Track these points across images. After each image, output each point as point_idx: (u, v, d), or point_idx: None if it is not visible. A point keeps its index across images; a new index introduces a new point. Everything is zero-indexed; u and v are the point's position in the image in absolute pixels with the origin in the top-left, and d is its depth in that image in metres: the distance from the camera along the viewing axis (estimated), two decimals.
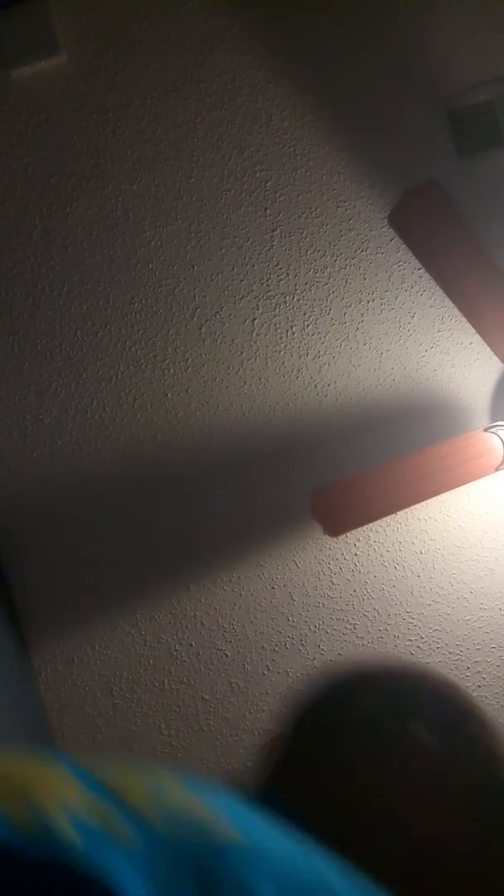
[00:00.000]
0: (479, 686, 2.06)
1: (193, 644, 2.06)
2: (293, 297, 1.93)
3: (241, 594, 2.03)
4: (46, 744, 2.09)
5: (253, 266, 1.92)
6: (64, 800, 0.45)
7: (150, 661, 2.07)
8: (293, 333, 1.94)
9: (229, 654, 2.06)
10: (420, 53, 1.83)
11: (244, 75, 1.85)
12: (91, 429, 1.98)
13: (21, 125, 1.87)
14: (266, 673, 2.06)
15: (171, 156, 1.89)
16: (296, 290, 1.93)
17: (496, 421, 1.81)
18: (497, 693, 2.06)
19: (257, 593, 2.03)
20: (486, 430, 1.75)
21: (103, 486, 2.00)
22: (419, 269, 1.88)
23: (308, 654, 2.05)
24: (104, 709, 2.09)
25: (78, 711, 2.09)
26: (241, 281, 1.93)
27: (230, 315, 1.94)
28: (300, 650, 2.05)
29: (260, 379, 1.96)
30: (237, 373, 1.96)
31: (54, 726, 2.09)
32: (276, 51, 1.85)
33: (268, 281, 1.93)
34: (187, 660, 2.06)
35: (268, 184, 1.90)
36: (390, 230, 1.72)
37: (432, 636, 2.04)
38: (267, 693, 2.07)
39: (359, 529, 1.99)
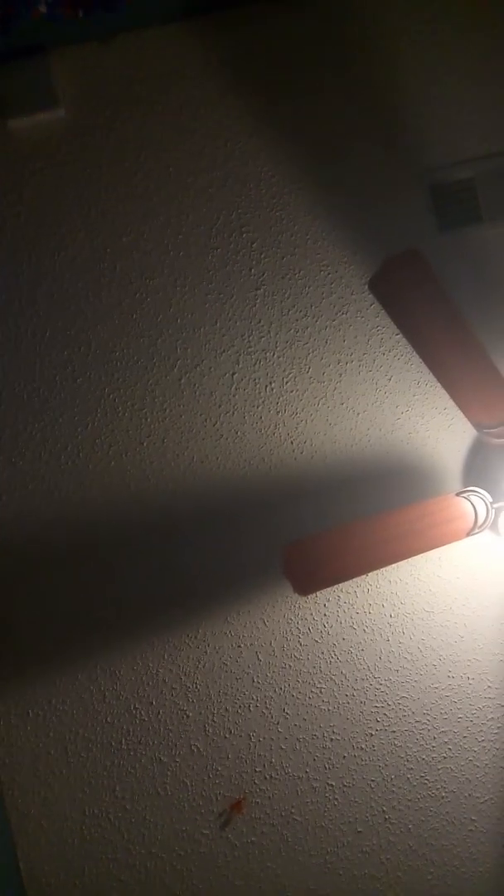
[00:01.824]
0: (445, 757, 2.02)
1: (154, 702, 2.00)
2: (273, 355, 1.96)
3: (206, 651, 1.99)
4: None
5: (235, 322, 1.96)
6: None
7: (108, 719, 2.00)
8: (272, 390, 1.97)
9: (190, 714, 2.01)
10: (407, 128, 1.92)
11: (237, 140, 1.93)
12: (64, 474, 1.97)
13: (16, 172, 1.92)
14: (228, 736, 2.01)
15: (162, 212, 1.94)
16: (276, 347, 1.96)
17: (468, 486, 1.83)
18: (463, 766, 2.02)
19: (223, 651, 1.99)
20: (458, 494, 1.76)
21: (72, 533, 1.98)
22: (397, 334, 1.93)
23: (272, 717, 2.01)
24: (57, 767, 2.01)
25: (30, 768, 2.01)
26: (223, 336, 1.96)
27: (210, 368, 1.96)
28: (264, 713, 2.01)
29: (237, 433, 1.97)
30: (214, 425, 1.97)
31: (4, 783, 2.01)
32: (269, 120, 1.93)
33: (249, 337, 1.96)
34: (146, 719, 2.01)
35: (254, 245, 1.95)
36: (370, 295, 1.76)
37: (399, 703, 2.01)
38: (227, 757, 2.01)
39: (329, 590, 1.98)
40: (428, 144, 1.92)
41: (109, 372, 1.96)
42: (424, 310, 1.58)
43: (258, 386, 1.97)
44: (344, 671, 2.00)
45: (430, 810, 2.03)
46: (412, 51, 1.93)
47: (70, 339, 1.96)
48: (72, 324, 1.95)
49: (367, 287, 1.83)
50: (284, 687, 2.00)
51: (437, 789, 2.03)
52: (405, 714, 2.01)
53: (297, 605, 1.99)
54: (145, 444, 1.97)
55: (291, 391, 1.97)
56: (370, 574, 1.97)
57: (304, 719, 2.01)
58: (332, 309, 1.96)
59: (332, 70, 1.93)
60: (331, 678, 2.00)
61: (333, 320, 1.96)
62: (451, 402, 1.90)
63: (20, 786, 2.01)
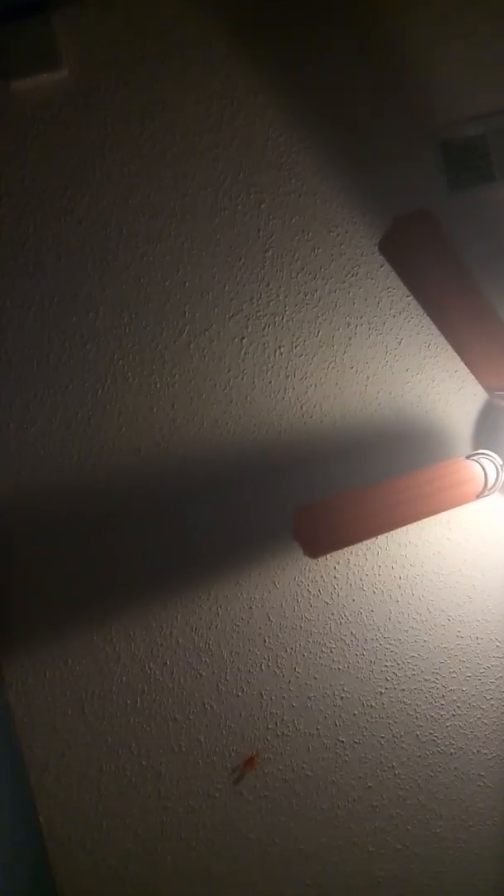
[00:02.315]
0: (454, 715, 2.05)
1: (168, 662, 2.04)
2: (282, 318, 1.95)
3: (218, 613, 2.02)
4: (14, 759, 2.05)
5: (244, 286, 1.94)
6: None
7: (123, 679, 2.04)
8: (281, 354, 1.96)
9: (204, 673, 2.04)
10: (417, 86, 1.87)
11: (243, 99, 1.89)
12: (75, 440, 1.98)
13: (19, 136, 1.89)
14: (240, 695, 2.04)
15: (168, 174, 1.91)
16: (285, 311, 1.95)
17: (479, 449, 1.82)
18: (471, 723, 2.05)
19: (234, 613, 2.02)
20: (468, 457, 1.76)
21: (84, 499, 1.99)
22: (407, 296, 1.91)
23: (283, 676, 2.04)
24: (74, 725, 2.05)
25: (48, 727, 2.05)
26: (232, 300, 1.94)
27: (219, 333, 1.95)
28: (275, 672, 2.04)
29: (246, 398, 1.97)
30: (223, 390, 1.97)
31: (23, 741, 2.06)
32: (275, 77, 1.88)
33: (258, 301, 1.94)
34: (161, 678, 2.04)
35: (262, 206, 1.92)
36: (380, 257, 1.74)
37: (408, 663, 2.04)
38: (240, 715, 2.05)
39: (338, 553, 1.99)
40: (439, 101, 1.87)
41: (118, 337, 1.96)
42: (435, 271, 1.56)
43: (267, 350, 1.96)
44: (354, 631, 2.03)
45: (439, 766, 2.07)
46: (423, 5, 1.87)
47: (78, 304, 1.95)
48: (79, 289, 1.94)
49: (376, 248, 1.81)
50: (295, 647, 2.03)
51: (446, 746, 2.06)
52: (414, 673, 2.04)
53: (307, 568, 2.01)
54: (155, 410, 1.97)
55: (301, 355, 1.96)
56: (380, 537, 1.98)
57: (315, 678, 2.04)
58: (341, 271, 1.93)
59: (340, 27, 1.88)
60: (341, 638, 2.03)
61: (343, 283, 1.94)
62: (461, 365, 1.89)
63: (39, 744, 2.06)
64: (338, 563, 2.01)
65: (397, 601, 2.02)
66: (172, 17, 1.88)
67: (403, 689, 2.04)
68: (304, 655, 2.03)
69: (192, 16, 1.88)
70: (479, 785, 2.07)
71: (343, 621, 2.02)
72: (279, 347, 1.96)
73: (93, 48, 1.88)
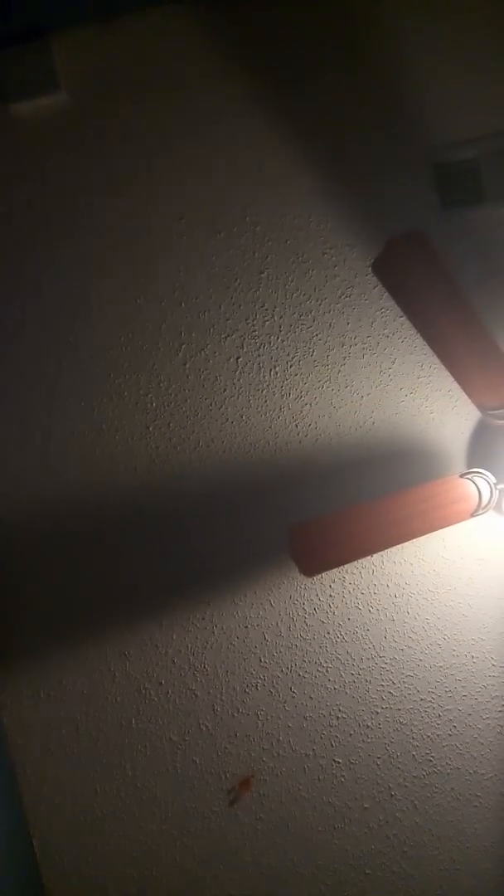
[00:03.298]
0: (450, 734, 2.04)
1: (163, 682, 2.03)
2: (277, 338, 1.97)
3: (213, 632, 2.02)
4: (8, 780, 2.03)
5: (239, 306, 1.96)
6: None
7: (118, 699, 2.03)
8: (276, 373, 1.97)
9: (199, 693, 2.03)
10: (410, 109, 1.91)
11: (240, 122, 1.92)
12: (71, 459, 1.98)
13: (18, 158, 1.92)
14: (236, 715, 2.04)
15: (164, 195, 1.94)
16: (280, 331, 1.96)
17: (472, 467, 1.83)
18: (468, 742, 2.04)
19: (230, 632, 2.02)
20: (462, 476, 1.77)
21: (80, 518, 2.00)
22: (401, 317, 1.92)
23: (279, 696, 2.03)
24: (69, 746, 2.04)
25: (42, 748, 2.04)
26: (228, 320, 1.96)
27: (215, 353, 1.97)
28: (271, 692, 2.03)
29: (241, 417, 1.98)
30: (219, 409, 1.98)
31: (16, 762, 2.04)
32: (271, 101, 1.91)
33: (253, 321, 1.96)
34: (156, 698, 2.03)
35: (257, 228, 1.94)
36: (373, 277, 1.76)
37: (404, 682, 2.03)
38: (236, 736, 2.04)
39: (334, 571, 1.99)
40: (431, 124, 1.90)
41: (114, 357, 1.97)
42: (428, 291, 1.57)
43: (262, 370, 1.98)
44: (349, 650, 2.02)
45: (436, 787, 2.06)
46: (416, 29, 1.91)
47: (75, 324, 1.96)
48: (77, 309, 1.96)
49: (370, 269, 1.83)
50: (291, 666, 2.03)
51: (442, 766, 2.05)
52: (410, 692, 2.03)
53: (302, 587, 2.01)
54: (151, 429, 1.99)
55: (296, 375, 1.98)
56: (375, 555, 1.98)
57: (311, 698, 2.03)
58: (335, 292, 1.96)
59: (334, 50, 1.91)
60: (336, 657, 2.03)
61: (337, 303, 1.96)
62: (454, 384, 1.90)
63: (32, 765, 2.05)
64: (333, 581, 2.01)
65: (393, 620, 2.02)
66: (170, 40, 1.91)
67: (399, 709, 2.04)
68: (299, 675, 2.03)
69: (189, 39, 1.91)
70: (476, 806, 2.06)
71: (339, 640, 2.02)
72: (274, 367, 1.98)
73: (91, 71, 1.92)
